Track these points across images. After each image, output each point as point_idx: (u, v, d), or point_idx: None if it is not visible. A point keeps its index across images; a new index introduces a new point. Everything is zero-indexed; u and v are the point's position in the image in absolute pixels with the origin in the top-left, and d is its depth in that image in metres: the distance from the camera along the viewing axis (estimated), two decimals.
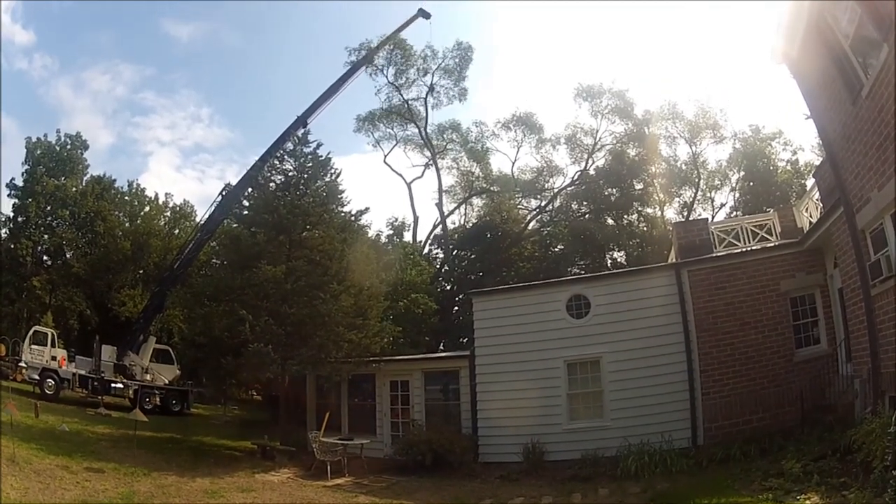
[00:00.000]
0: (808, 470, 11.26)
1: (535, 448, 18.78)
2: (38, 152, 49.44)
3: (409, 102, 54.17)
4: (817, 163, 28.16)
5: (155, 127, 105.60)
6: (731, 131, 50.60)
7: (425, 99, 53.99)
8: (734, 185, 51.20)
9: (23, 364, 29.40)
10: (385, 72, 53.00)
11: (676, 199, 52.36)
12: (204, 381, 31.30)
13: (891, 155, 9.93)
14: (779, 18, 12.80)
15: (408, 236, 54.68)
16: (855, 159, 11.79)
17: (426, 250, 53.88)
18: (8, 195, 48.19)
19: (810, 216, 19.42)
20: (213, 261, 36.17)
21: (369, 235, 44.14)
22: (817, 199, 18.32)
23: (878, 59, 9.85)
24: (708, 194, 52.47)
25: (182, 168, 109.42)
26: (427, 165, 55.83)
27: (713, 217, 47.76)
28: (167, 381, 34.37)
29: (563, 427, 19.24)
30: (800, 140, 50.40)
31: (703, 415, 17.78)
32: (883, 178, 10.50)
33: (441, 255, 55.15)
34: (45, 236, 48.86)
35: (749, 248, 20.25)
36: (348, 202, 27.15)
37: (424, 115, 54.22)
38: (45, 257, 49.68)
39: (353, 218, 28.02)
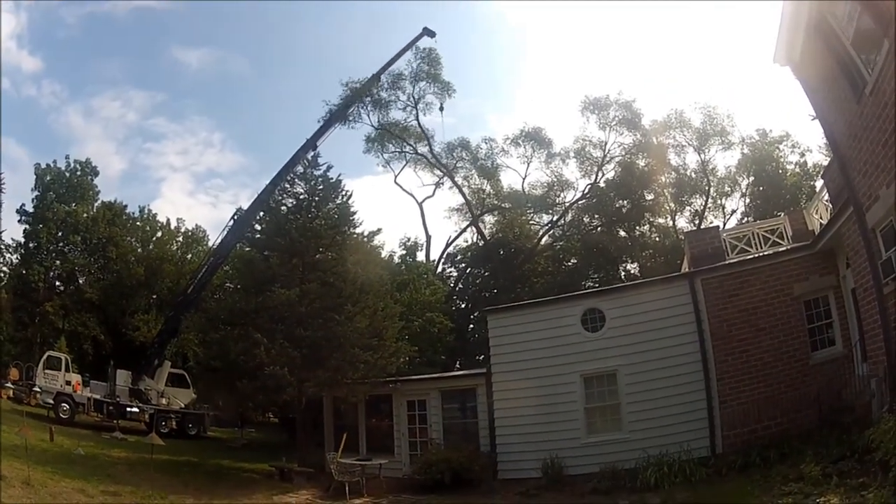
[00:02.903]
0: (828, 472, 11.16)
1: (554, 463, 18.65)
2: (48, 178, 49.76)
3: (407, 126, 54.40)
4: (825, 164, 28.04)
5: (167, 153, 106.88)
6: (739, 136, 50.54)
7: (417, 119, 54.18)
8: (744, 190, 50.87)
9: (37, 389, 29.55)
10: (368, 119, 53.29)
11: (687, 208, 52.17)
12: (220, 404, 31.35)
13: None
14: (780, 20, 12.80)
15: (421, 256, 54.58)
16: (862, 157, 11.73)
17: (439, 269, 53.85)
18: (19, 221, 48.55)
19: (821, 218, 19.33)
20: (227, 285, 36.43)
21: (382, 256, 44.27)
22: (827, 201, 18.23)
23: (880, 54, 9.82)
24: (718, 201, 52.18)
25: (195, 193, 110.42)
26: (438, 184, 56.05)
27: (724, 224, 47.56)
28: (183, 405, 34.58)
29: (581, 441, 19.14)
30: (807, 141, 50.11)
31: (721, 422, 17.62)
32: (891, 174, 10.42)
33: (455, 274, 55.15)
34: (57, 262, 49.03)
35: (761, 254, 20.14)
36: (360, 224, 27.36)
37: (423, 133, 54.40)
38: (57, 283, 49.78)
39: (365, 239, 28.17)
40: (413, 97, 53.05)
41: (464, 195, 54.42)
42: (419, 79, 52.56)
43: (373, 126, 53.53)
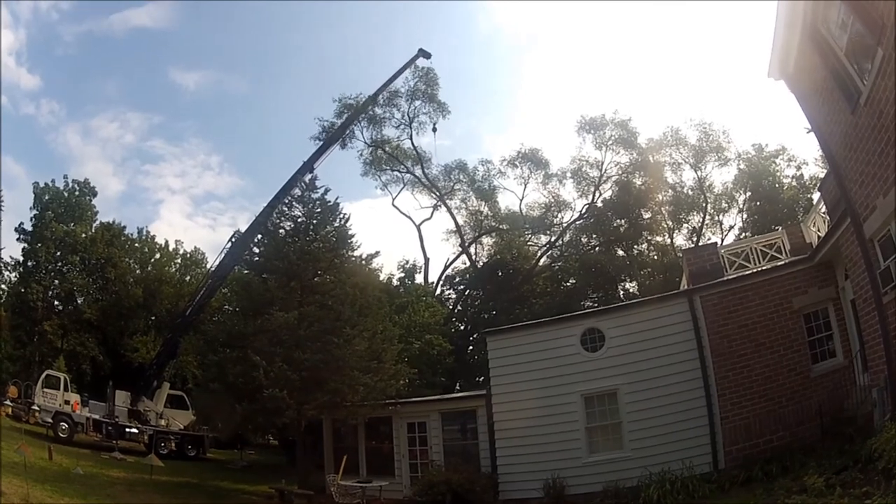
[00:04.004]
0: (831, 483, 11.06)
1: (556, 483, 18.62)
2: (47, 198, 49.77)
3: (400, 146, 54.94)
4: (822, 176, 28.10)
5: (165, 175, 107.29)
6: (735, 152, 50.78)
7: (410, 139, 54.67)
8: (741, 206, 51.10)
9: (36, 407, 29.48)
10: (362, 136, 53.69)
11: (685, 226, 52.32)
12: (219, 426, 31.23)
13: (893, 160, 9.87)
14: (773, 35, 12.87)
15: (419, 278, 54.69)
16: (858, 168, 11.73)
17: (438, 291, 53.83)
18: (17, 239, 48.55)
19: (818, 230, 19.36)
20: (226, 307, 36.35)
21: (381, 278, 44.28)
22: (824, 213, 18.25)
23: (873, 63, 9.86)
24: (716, 218, 52.35)
25: (193, 216, 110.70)
26: (435, 207, 56.09)
27: (723, 240, 47.82)
28: (182, 427, 34.44)
29: (583, 460, 19.09)
30: (803, 154, 50.35)
31: (723, 438, 17.56)
32: (887, 184, 10.42)
33: (454, 296, 55.12)
34: (56, 281, 48.93)
35: (760, 269, 20.15)
36: (359, 246, 27.36)
37: (417, 155, 54.78)
38: (56, 302, 49.61)
39: (363, 262, 28.17)
40: (408, 115, 53.51)
41: (455, 222, 54.97)
42: (415, 97, 52.97)
43: (366, 143, 53.95)
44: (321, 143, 44.62)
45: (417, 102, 53.07)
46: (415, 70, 51.13)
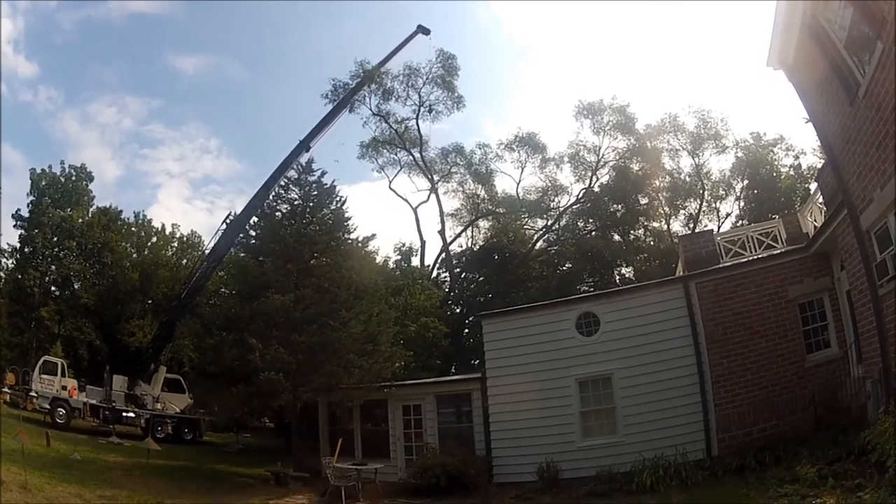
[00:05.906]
0: (823, 474, 11.18)
1: (550, 467, 18.67)
2: (43, 183, 49.46)
3: (407, 126, 54.17)
4: (819, 166, 28.10)
5: (163, 159, 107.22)
6: (733, 140, 50.52)
7: (417, 120, 53.95)
8: (738, 194, 50.86)
9: (33, 393, 29.51)
10: (368, 102, 52.61)
11: (682, 212, 52.10)
12: (216, 409, 31.29)
13: (891, 153, 9.89)
14: (773, 24, 12.83)
15: (415, 261, 54.38)
16: (856, 160, 11.75)
17: (434, 274, 53.61)
18: (14, 226, 48.38)
19: (815, 221, 19.41)
20: (222, 290, 36.29)
21: (377, 261, 44.19)
22: (821, 203, 18.30)
23: (873, 56, 9.86)
24: (713, 205, 52.07)
25: (192, 199, 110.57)
26: (432, 190, 55.70)
27: (719, 227, 47.76)
28: (178, 410, 34.34)
29: (576, 445, 19.20)
30: (801, 144, 50.27)
31: (717, 425, 17.69)
32: (885, 176, 10.45)
33: (449, 279, 55.08)
34: (53, 267, 48.73)
35: (755, 257, 20.17)
36: (355, 229, 27.26)
37: (419, 136, 54.13)
38: (52, 288, 49.54)
39: (360, 245, 28.11)
40: (419, 96, 52.85)
41: (441, 213, 54.52)
42: (435, 84, 52.42)
43: (372, 112, 52.96)
44: (331, 108, 43.68)
45: (438, 91, 52.66)
46: (440, 55, 50.96)
